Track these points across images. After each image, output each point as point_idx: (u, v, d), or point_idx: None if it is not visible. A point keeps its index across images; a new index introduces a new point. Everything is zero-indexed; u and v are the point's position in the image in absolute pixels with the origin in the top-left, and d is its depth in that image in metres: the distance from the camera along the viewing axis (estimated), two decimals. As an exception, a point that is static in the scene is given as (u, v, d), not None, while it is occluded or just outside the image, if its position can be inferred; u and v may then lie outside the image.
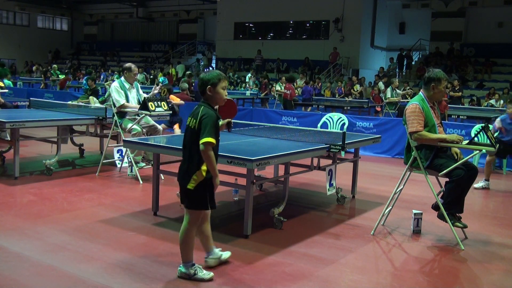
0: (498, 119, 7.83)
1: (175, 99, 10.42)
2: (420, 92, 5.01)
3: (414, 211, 5.19)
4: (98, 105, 10.61)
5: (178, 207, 5.67)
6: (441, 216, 4.80)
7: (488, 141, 4.70)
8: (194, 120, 3.65)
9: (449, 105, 13.24)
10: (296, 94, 16.75)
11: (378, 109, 15.74)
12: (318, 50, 24.96)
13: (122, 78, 7.32)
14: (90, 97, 12.78)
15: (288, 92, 15.53)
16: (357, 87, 19.19)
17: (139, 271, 3.84)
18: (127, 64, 7.41)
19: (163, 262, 4.05)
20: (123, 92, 7.12)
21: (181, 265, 3.76)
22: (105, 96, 12.28)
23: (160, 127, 7.44)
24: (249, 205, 4.64)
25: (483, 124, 4.91)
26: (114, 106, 7.10)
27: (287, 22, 27.01)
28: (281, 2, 25.84)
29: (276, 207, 5.11)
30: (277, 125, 8.98)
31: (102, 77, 24.28)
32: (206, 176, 3.63)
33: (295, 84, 20.01)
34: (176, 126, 10.36)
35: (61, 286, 3.57)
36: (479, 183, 7.43)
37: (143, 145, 5.53)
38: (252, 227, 4.73)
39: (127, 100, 7.13)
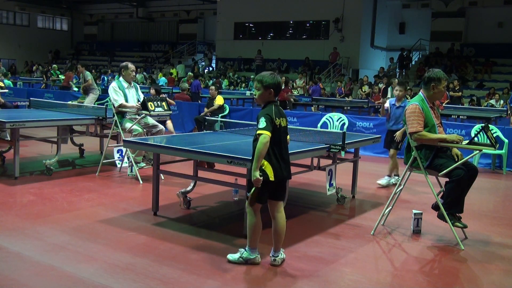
0: (387, 101, 7.61)
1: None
2: (420, 93, 5.00)
3: (414, 211, 5.19)
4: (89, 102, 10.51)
5: (178, 207, 5.68)
6: (441, 216, 4.80)
7: (488, 141, 4.70)
8: (284, 119, 4.00)
9: (444, 106, 13.27)
10: (294, 94, 17.02)
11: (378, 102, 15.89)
12: (318, 50, 24.96)
13: (121, 78, 7.33)
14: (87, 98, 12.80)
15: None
16: (365, 88, 19.15)
17: (139, 271, 3.84)
18: (124, 63, 7.43)
19: (163, 262, 4.05)
20: (121, 91, 7.12)
21: (281, 252, 4.12)
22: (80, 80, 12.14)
23: (162, 126, 7.43)
24: (249, 205, 4.63)
25: (483, 124, 4.91)
26: (114, 106, 7.11)
27: (287, 22, 27.01)
28: (281, 2, 25.84)
29: (276, 207, 5.09)
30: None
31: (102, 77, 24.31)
32: None
33: (294, 84, 20.12)
34: (168, 122, 10.40)
35: (61, 286, 3.57)
36: (382, 180, 7.28)
37: (143, 145, 5.53)
38: (252, 227, 4.72)
39: (126, 100, 7.13)
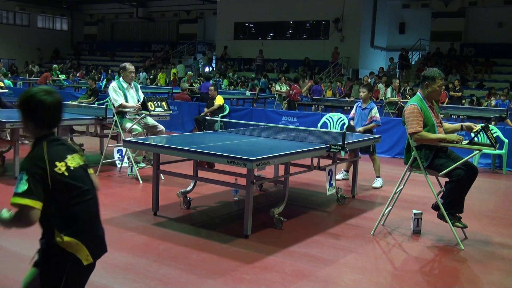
0: (355, 106, 7.62)
1: None
2: (418, 92, 5.00)
3: (414, 211, 5.19)
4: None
5: (178, 207, 5.68)
6: (441, 216, 4.80)
7: (488, 141, 4.70)
8: (76, 156, 2.49)
9: (444, 106, 13.26)
10: (303, 95, 16.81)
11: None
12: (318, 50, 24.96)
13: (121, 78, 7.33)
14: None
15: (292, 92, 15.40)
16: None
17: (139, 271, 3.84)
18: (122, 64, 7.44)
19: (163, 262, 4.05)
20: (121, 92, 7.12)
21: None
22: None
23: (162, 127, 7.42)
24: (249, 205, 4.64)
25: (483, 124, 4.90)
26: (114, 106, 7.12)
27: (287, 22, 27.00)
28: (281, 2, 25.84)
29: (276, 207, 5.11)
30: (277, 125, 8.98)
31: (102, 77, 24.31)
32: None
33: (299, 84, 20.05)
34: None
35: (61, 286, 3.57)
36: (376, 183, 7.28)
37: (143, 145, 5.53)
38: (252, 227, 4.73)
39: (126, 100, 7.12)
